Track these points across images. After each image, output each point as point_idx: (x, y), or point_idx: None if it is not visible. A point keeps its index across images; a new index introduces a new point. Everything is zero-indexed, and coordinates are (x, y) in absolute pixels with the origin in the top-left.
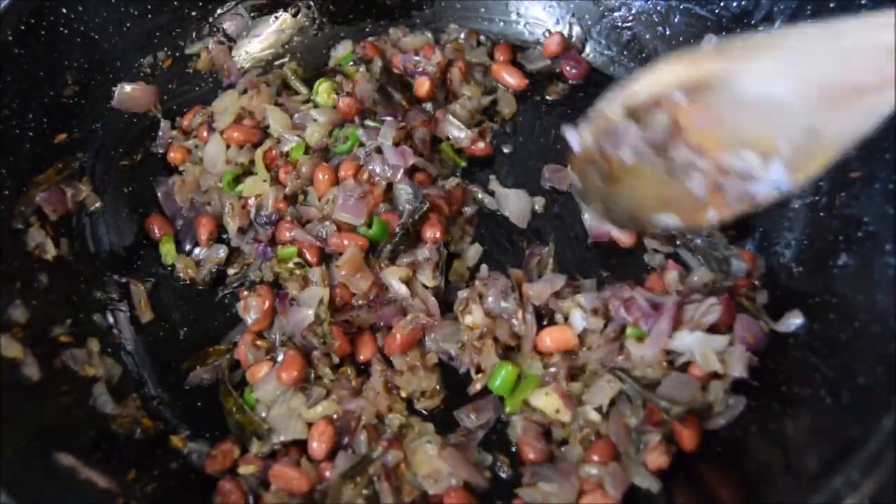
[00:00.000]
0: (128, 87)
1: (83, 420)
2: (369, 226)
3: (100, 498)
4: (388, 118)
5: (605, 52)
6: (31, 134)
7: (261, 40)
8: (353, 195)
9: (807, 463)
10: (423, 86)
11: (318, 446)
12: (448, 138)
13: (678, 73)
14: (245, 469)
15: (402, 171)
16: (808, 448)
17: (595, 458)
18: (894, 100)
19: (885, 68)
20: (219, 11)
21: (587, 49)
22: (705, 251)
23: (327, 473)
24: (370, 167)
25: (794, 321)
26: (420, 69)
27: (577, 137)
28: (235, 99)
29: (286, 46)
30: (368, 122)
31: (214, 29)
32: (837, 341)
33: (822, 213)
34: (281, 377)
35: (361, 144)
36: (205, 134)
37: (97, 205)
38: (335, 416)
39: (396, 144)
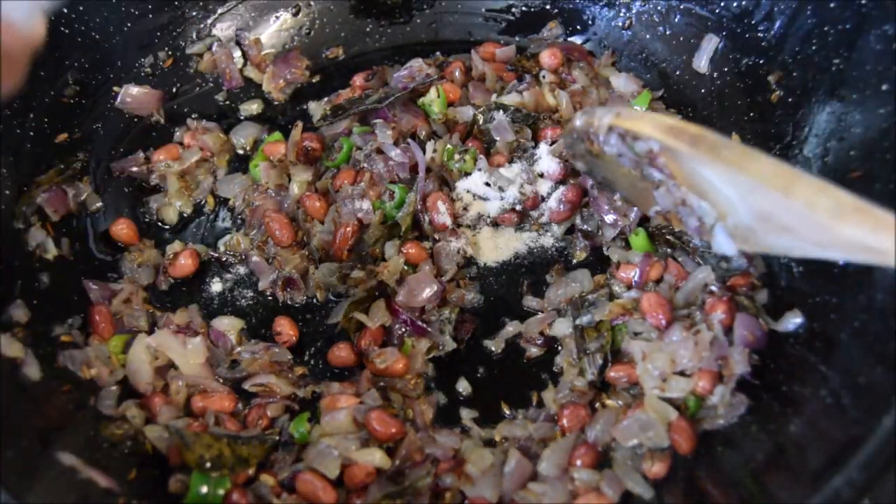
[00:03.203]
0: (133, 90)
1: (84, 420)
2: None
3: (100, 498)
4: (378, 120)
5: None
6: (32, 134)
7: (262, 39)
8: (354, 196)
9: (807, 463)
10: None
11: (354, 482)
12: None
13: (659, 132)
14: (266, 479)
15: (407, 168)
16: (808, 448)
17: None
18: (819, 254)
19: (816, 235)
20: (219, 11)
21: (587, 48)
22: (704, 252)
23: (358, 502)
24: (371, 168)
25: (794, 321)
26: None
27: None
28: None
29: (286, 46)
30: (357, 130)
31: (215, 28)
32: (837, 341)
33: None
34: (373, 427)
35: (359, 148)
36: None
37: (98, 205)
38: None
39: (395, 143)
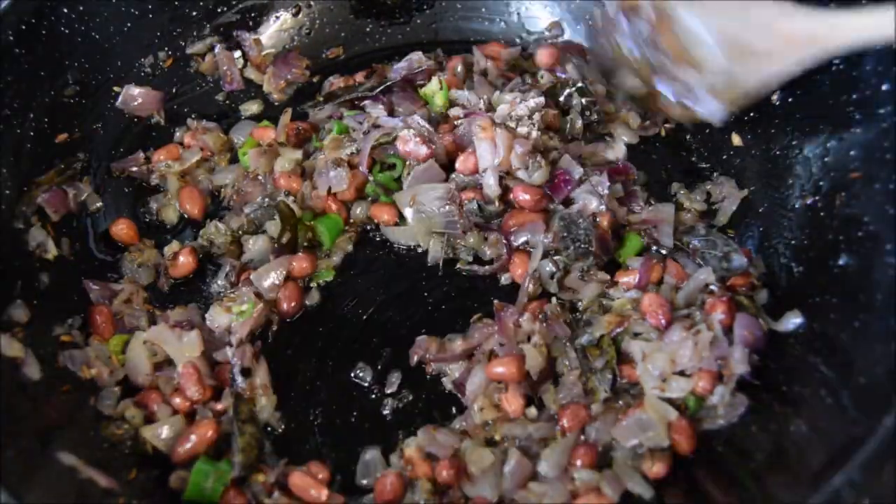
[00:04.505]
0: (133, 90)
1: (84, 420)
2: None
3: (100, 498)
4: (368, 101)
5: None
6: (32, 134)
7: (262, 40)
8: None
9: (807, 463)
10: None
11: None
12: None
13: None
14: (259, 477)
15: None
16: (808, 448)
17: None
18: (779, 66)
19: (769, 42)
20: (220, 11)
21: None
22: (703, 253)
23: None
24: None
25: (794, 321)
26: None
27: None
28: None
29: (286, 46)
30: (348, 113)
31: (215, 29)
32: (837, 341)
33: (822, 213)
34: None
35: (352, 130)
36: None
37: (98, 205)
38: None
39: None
